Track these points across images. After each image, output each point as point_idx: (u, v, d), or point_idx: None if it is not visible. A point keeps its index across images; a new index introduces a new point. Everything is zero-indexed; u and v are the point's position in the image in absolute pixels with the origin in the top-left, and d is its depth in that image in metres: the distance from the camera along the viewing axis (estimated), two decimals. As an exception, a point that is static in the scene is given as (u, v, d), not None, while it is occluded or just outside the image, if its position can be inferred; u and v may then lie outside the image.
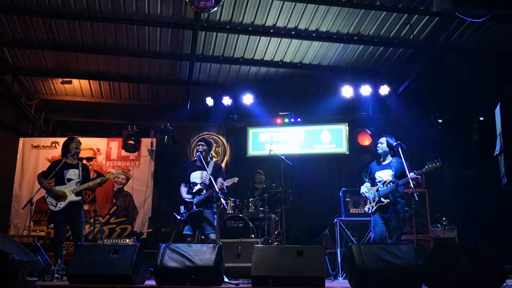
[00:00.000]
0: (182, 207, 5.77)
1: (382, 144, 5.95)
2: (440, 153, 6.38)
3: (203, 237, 5.80)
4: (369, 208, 5.87)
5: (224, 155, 10.09)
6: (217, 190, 5.50)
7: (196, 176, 5.83)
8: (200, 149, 5.89)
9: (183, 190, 5.89)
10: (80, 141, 6.47)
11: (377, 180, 5.88)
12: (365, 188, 5.98)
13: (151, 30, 7.75)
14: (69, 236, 6.51)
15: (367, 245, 5.13)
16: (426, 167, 5.56)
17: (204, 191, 5.69)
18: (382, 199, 5.68)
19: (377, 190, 5.79)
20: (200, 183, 5.76)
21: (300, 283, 4.26)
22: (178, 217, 5.78)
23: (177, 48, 8.22)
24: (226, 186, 5.68)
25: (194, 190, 5.76)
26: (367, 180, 6.15)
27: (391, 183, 5.68)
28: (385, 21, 7.38)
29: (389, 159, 5.92)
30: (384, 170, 5.85)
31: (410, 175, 5.47)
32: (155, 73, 9.13)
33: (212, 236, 5.62)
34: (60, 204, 5.94)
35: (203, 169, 5.78)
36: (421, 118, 9.04)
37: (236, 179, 5.80)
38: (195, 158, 5.94)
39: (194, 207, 5.66)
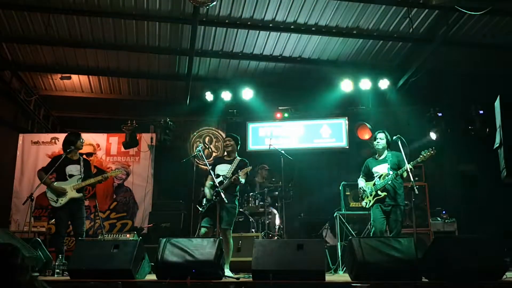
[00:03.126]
0: (204, 200, 5.81)
1: (383, 140, 5.91)
2: (440, 146, 6.38)
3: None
4: (366, 203, 5.85)
5: (224, 150, 10.06)
6: (217, 184, 5.58)
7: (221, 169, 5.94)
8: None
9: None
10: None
11: (374, 175, 5.88)
12: (362, 183, 5.98)
13: (150, 25, 7.73)
14: (70, 231, 6.52)
15: (367, 238, 5.13)
16: (421, 156, 5.58)
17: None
18: (379, 192, 5.68)
19: (374, 184, 5.80)
20: (222, 176, 5.85)
21: (301, 277, 4.26)
22: (200, 209, 5.82)
23: (176, 43, 8.20)
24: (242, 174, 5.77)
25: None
26: (361, 175, 6.13)
27: (387, 176, 5.68)
28: (384, 15, 7.35)
29: (385, 153, 5.92)
30: (381, 165, 5.85)
31: (407, 165, 5.48)
32: (154, 68, 9.11)
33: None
34: (61, 200, 5.92)
35: (229, 162, 5.98)
36: (421, 111, 9.03)
37: (250, 168, 5.85)
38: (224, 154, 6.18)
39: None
